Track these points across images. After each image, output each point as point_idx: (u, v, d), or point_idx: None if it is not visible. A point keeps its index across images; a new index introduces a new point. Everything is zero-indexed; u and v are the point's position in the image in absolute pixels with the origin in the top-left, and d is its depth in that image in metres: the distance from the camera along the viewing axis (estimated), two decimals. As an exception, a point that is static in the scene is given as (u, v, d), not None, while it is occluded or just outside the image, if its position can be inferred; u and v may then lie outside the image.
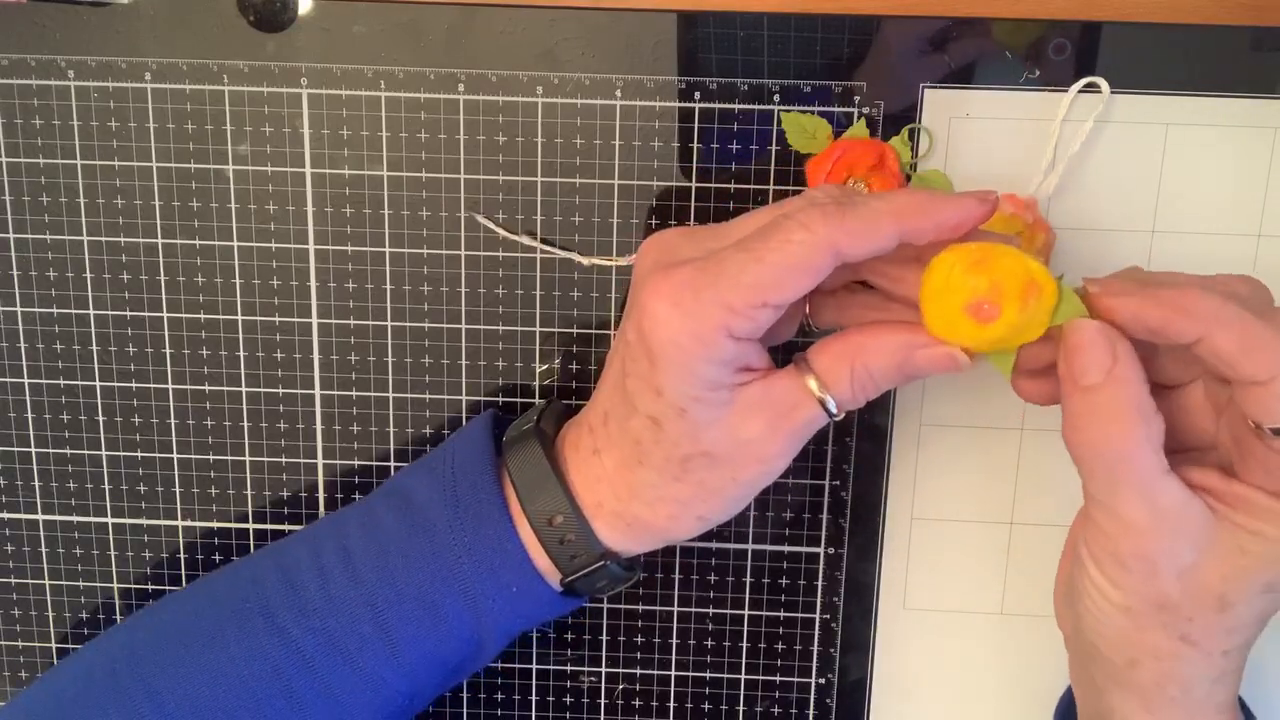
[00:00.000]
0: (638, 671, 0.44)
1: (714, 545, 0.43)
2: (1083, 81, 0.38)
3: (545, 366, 0.42)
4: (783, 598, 0.43)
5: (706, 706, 0.44)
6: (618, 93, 0.39)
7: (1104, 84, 0.38)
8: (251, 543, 0.44)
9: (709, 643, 0.44)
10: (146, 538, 0.44)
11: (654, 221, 0.40)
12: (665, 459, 0.33)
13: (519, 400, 0.42)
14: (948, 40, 0.38)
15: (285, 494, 0.43)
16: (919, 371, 0.32)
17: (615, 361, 0.34)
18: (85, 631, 0.45)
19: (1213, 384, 0.33)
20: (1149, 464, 0.30)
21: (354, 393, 0.42)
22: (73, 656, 0.38)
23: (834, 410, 0.33)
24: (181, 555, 0.44)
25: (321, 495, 0.43)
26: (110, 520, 0.44)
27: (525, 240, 0.41)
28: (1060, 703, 0.42)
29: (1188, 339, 0.30)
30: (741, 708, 0.44)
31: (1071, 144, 0.39)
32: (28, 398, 0.43)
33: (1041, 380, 0.33)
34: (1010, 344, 0.31)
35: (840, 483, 0.42)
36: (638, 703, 0.45)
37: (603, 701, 0.45)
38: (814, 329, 0.37)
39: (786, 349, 0.39)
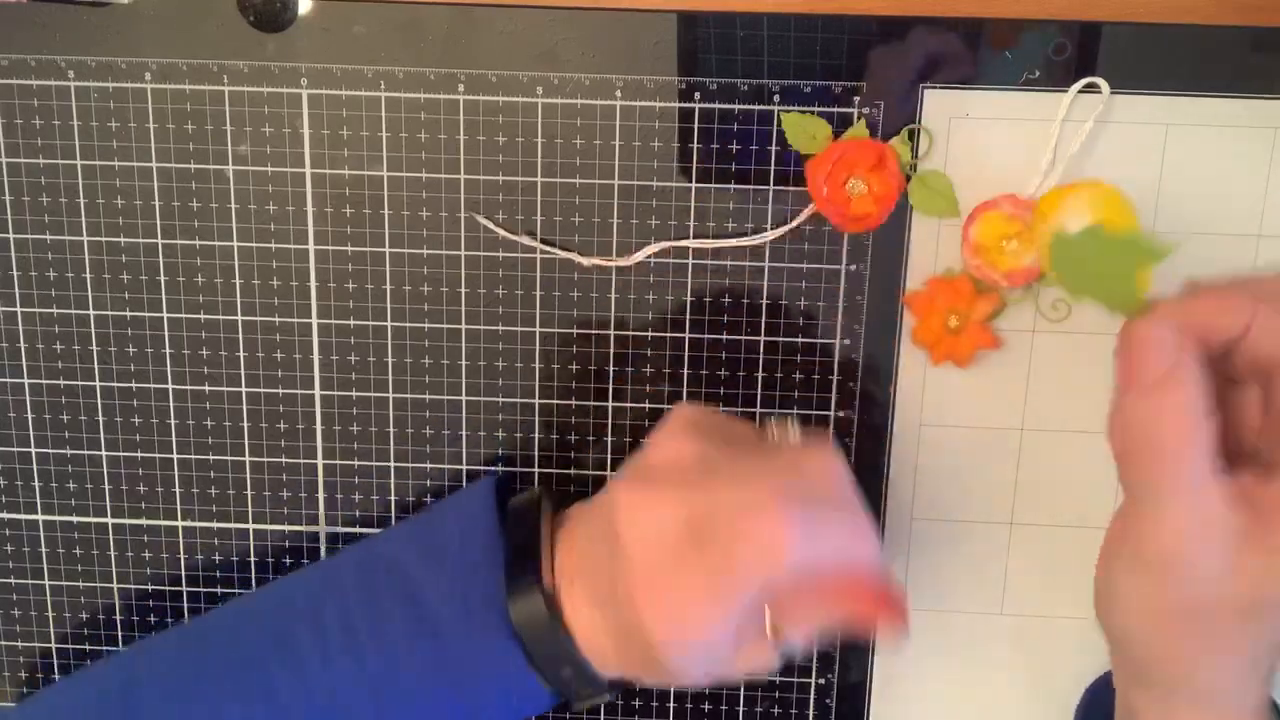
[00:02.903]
0: (638, 671, 0.44)
1: (714, 545, 0.43)
2: (1083, 81, 0.38)
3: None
4: (783, 598, 0.43)
5: (706, 706, 0.44)
6: (618, 93, 0.39)
7: (1104, 84, 0.38)
8: (251, 542, 0.44)
9: (709, 643, 0.44)
10: (146, 538, 0.44)
11: (654, 222, 0.40)
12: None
13: (519, 400, 0.42)
14: (948, 40, 0.38)
15: (285, 494, 0.43)
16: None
17: (602, 548, 0.34)
18: (85, 631, 0.45)
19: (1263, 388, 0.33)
20: (1198, 467, 0.30)
21: (354, 393, 0.42)
22: (62, 687, 0.39)
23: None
24: (181, 555, 0.44)
25: (321, 495, 0.43)
26: (110, 520, 0.44)
27: (525, 240, 0.41)
28: (1081, 704, 0.42)
29: (1238, 329, 0.30)
30: (741, 708, 0.44)
31: (1071, 144, 0.39)
32: (28, 398, 0.43)
33: None
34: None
35: (840, 483, 0.42)
36: (637, 703, 0.44)
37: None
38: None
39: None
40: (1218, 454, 0.30)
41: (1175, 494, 0.30)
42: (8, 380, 0.43)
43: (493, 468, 0.43)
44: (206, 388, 0.42)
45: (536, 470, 0.43)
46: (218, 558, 0.44)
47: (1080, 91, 0.38)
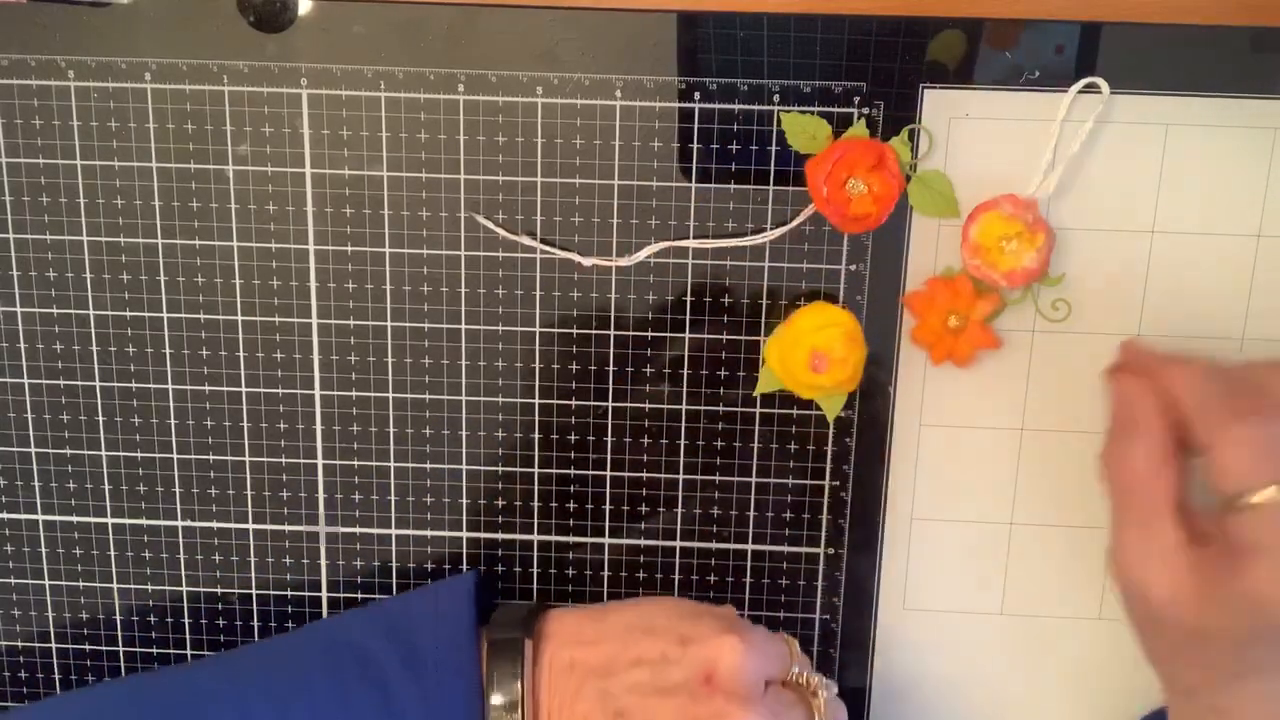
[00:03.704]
0: (638, 671, 0.44)
1: (714, 545, 0.43)
2: (1083, 81, 0.38)
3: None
4: (783, 598, 0.43)
5: (706, 706, 0.44)
6: (618, 93, 0.39)
7: (1104, 84, 0.38)
8: (251, 542, 0.44)
9: (709, 643, 0.44)
10: (146, 538, 0.44)
11: (654, 222, 0.40)
12: None
13: (519, 400, 0.42)
14: (947, 40, 0.38)
15: (285, 494, 0.43)
16: None
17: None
18: (85, 631, 0.45)
19: None
20: (1154, 505, 0.34)
21: (354, 393, 0.42)
22: None
23: None
24: (181, 555, 0.44)
25: (321, 495, 0.43)
26: (110, 520, 0.44)
27: (525, 240, 0.41)
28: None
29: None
30: (741, 708, 0.44)
31: (1071, 144, 0.39)
32: (28, 398, 0.43)
33: None
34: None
35: (840, 483, 0.42)
36: None
37: (603, 701, 0.45)
38: None
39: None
40: (1176, 498, 0.33)
41: (1134, 525, 0.34)
42: (8, 380, 0.43)
43: (471, 569, 0.42)
44: (206, 388, 0.42)
45: (536, 470, 0.43)
46: (218, 558, 0.44)
47: (1080, 91, 0.38)
